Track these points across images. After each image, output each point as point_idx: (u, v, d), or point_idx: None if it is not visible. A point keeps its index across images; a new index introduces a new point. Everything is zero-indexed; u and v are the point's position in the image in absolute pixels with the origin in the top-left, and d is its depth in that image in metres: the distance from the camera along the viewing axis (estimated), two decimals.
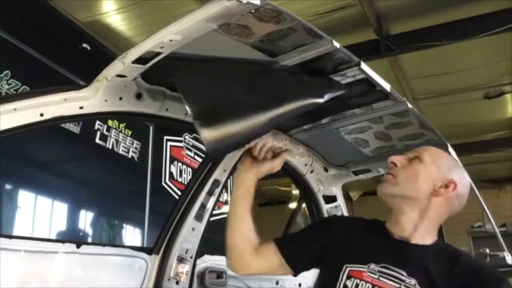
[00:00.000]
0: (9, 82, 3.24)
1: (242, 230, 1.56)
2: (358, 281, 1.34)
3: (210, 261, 2.45)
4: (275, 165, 1.59)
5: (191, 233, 2.16)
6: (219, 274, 2.43)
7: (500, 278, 1.34)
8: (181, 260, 2.15)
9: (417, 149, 1.53)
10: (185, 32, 1.32)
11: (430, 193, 1.41)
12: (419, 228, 1.41)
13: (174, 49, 1.41)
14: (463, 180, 1.48)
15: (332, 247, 1.50)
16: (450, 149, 2.26)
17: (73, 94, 1.54)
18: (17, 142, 2.94)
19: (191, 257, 2.19)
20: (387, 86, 1.77)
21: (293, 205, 9.28)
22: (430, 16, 5.06)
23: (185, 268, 2.17)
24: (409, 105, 1.92)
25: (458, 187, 1.43)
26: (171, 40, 1.35)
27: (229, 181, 2.29)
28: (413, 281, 1.31)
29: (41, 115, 1.50)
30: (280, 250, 1.56)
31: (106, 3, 5.24)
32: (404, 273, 1.32)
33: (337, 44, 1.51)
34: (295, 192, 9.36)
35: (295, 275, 1.65)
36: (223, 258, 2.80)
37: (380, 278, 1.33)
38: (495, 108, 7.16)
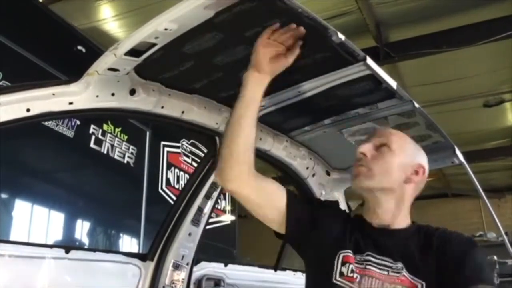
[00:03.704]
0: (0, 83, 3.17)
1: (248, 138, 1.37)
2: (353, 267, 1.32)
3: (208, 268, 2.37)
4: (289, 59, 1.40)
5: (187, 238, 2.08)
6: (217, 282, 2.35)
7: (471, 239, 1.40)
8: (176, 267, 2.06)
9: (381, 134, 1.49)
10: (181, 19, 1.24)
11: (403, 181, 1.41)
12: (396, 216, 1.41)
13: (169, 39, 1.33)
14: (426, 163, 1.49)
15: (326, 233, 1.43)
16: (457, 151, 2.19)
17: (62, 88, 1.45)
18: (6, 144, 2.84)
19: (187, 264, 2.11)
20: (393, 84, 1.69)
21: None
22: (429, 23, 5.04)
23: (181, 275, 2.08)
24: (416, 105, 1.84)
25: (426, 171, 1.46)
26: (166, 29, 1.28)
27: None
28: (399, 265, 1.30)
29: (28, 110, 1.41)
30: (288, 200, 1.44)
31: (103, 9, 5.22)
32: (389, 259, 1.32)
33: (342, 37, 1.44)
34: None
35: (282, 236, 1.48)
36: (221, 265, 2.75)
37: (367, 267, 1.31)
38: (495, 116, 7.14)
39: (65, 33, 3.88)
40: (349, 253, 1.34)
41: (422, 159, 1.47)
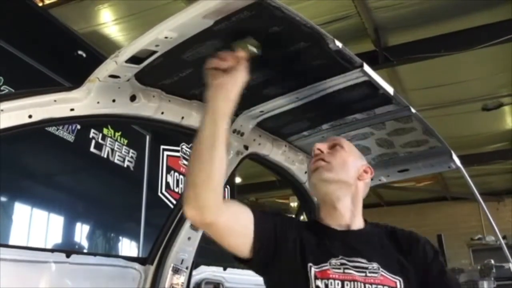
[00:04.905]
0: (1, 88, 3.19)
1: (221, 164, 1.21)
2: (326, 280, 1.26)
3: (207, 272, 2.38)
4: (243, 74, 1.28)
5: (187, 242, 2.09)
6: (216, 285, 2.35)
7: (426, 238, 1.46)
8: (176, 271, 2.07)
9: (332, 139, 1.57)
10: (181, 28, 1.26)
11: (357, 177, 1.47)
12: (355, 214, 1.45)
13: (169, 47, 1.36)
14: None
15: (290, 248, 1.35)
16: (454, 156, 2.21)
17: (63, 95, 1.48)
18: (6, 148, 2.86)
19: (186, 268, 2.11)
20: (390, 90, 1.71)
21: None
22: (428, 27, 5.05)
23: (181, 279, 2.09)
24: (413, 110, 1.86)
25: (373, 173, 1.54)
26: (166, 37, 1.30)
27: (226, 189, 2.22)
28: (375, 265, 1.31)
29: (30, 116, 1.43)
30: (255, 223, 1.31)
31: (103, 14, 5.24)
32: (363, 260, 1.32)
33: (339, 44, 1.46)
34: (293, 204, 9.30)
35: (245, 261, 1.34)
36: (220, 269, 2.76)
37: (345, 271, 1.28)
38: (494, 120, 7.15)
39: (65, 37, 3.90)
40: (320, 267, 1.29)
41: (366, 162, 1.57)
